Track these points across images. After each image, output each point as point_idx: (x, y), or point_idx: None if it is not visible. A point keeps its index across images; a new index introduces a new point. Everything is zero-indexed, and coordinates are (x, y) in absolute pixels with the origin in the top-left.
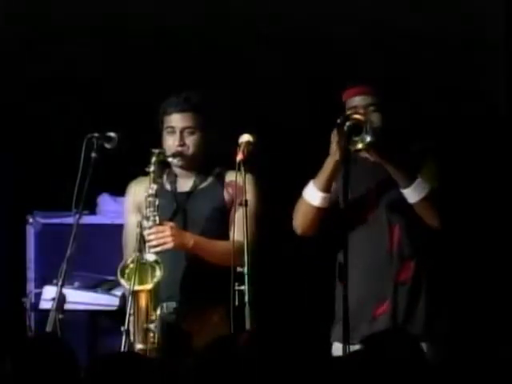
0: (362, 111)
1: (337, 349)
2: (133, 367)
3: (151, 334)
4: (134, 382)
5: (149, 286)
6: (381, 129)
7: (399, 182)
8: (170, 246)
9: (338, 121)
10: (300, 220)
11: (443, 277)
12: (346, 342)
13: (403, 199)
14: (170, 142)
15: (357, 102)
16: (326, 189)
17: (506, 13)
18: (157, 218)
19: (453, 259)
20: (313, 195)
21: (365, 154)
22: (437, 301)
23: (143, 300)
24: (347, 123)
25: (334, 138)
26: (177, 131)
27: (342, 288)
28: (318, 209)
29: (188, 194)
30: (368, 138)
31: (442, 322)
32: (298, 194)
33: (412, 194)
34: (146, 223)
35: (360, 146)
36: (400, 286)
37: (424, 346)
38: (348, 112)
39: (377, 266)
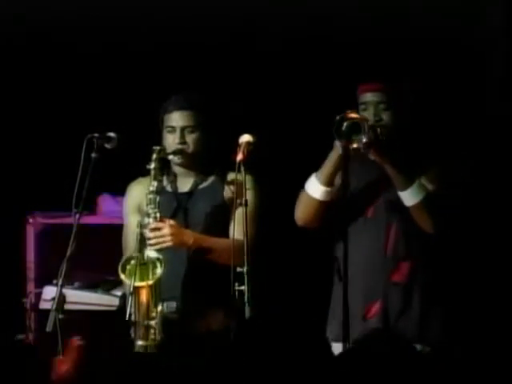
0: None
1: (335, 348)
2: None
3: (152, 331)
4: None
5: (149, 282)
6: (390, 128)
7: (396, 184)
8: (169, 244)
9: (337, 119)
10: (301, 212)
11: (439, 278)
12: (345, 341)
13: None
14: (170, 141)
15: (367, 98)
16: (328, 183)
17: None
18: (157, 215)
19: (450, 261)
20: (314, 188)
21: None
22: (431, 302)
23: (144, 296)
24: (345, 123)
25: None
26: (177, 130)
27: (339, 285)
28: (320, 202)
29: (189, 194)
30: (364, 139)
31: (436, 323)
32: (298, 193)
33: (408, 198)
34: (146, 220)
35: (355, 145)
36: (393, 287)
37: (417, 347)
38: (344, 112)
39: (372, 266)
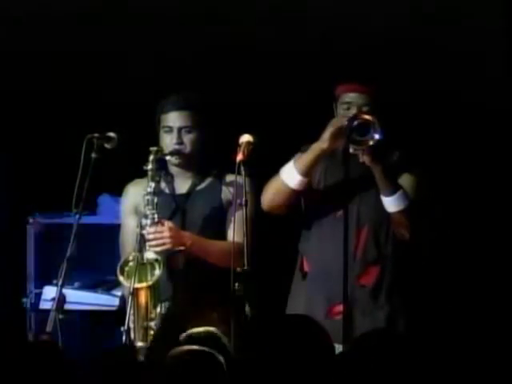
0: (365, 111)
1: None
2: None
3: (151, 332)
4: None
5: (148, 284)
6: None
7: (382, 189)
8: (168, 246)
9: (346, 122)
10: (270, 197)
11: (406, 281)
12: (345, 341)
13: (375, 203)
14: (168, 141)
15: (351, 98)
16: (306, 173)
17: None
18: (155, 216)
19: (421, 268)
20: (291, 177)
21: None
22: (398, 304)
23: (143, 298)
24: (355, 122)
25: (330, 127)
26: (174, 130)
27: (302, 283)
28: (293, 191)
29: (186, 196)
30: (377, 136)
31: (402, 324)
32: None
33: (392, 204)
34: (144, 221)
35: (371, 142)
36: (360, 289)
37: None
38: (356, 112)
39: (339, 267)
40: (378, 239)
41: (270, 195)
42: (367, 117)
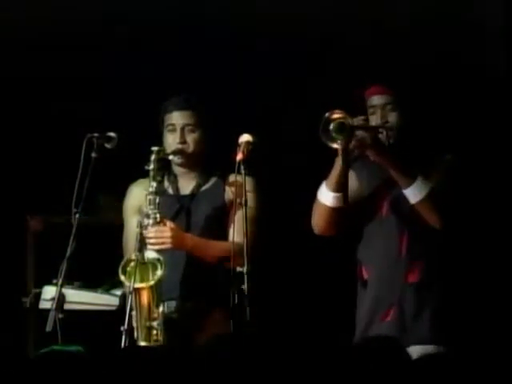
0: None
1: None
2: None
3: (154, 332)
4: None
5: (150, 284)
6: (397, 128)
7: (399, 182)
8: (168, 246)
9: (322, 122)
10: (316, 220)
11: (453, 278)
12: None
13: None
14: (171, 140)
15: (374, 101)
16: (338, 189)
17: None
18: (157, 216)
19: (463, 260)
20: (325, 196)
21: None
22: (445, 302)
23: (145, 297)
24: (331, 125)
25: None
26: (177, 128)
27: (362, 288)
28: (332, 209)
29: (191, 197)
30: (342, 137)
31: (450, 323)
32: (299, 193)
33: (412, 195)
34: (146, 221)
35: (335, 145)
36: (408, 287)
37: (431, 348)
38: (327, 114)
39: (387, 267)
40: (420, 235)
41: (316, 219)
42: (336, 116)
